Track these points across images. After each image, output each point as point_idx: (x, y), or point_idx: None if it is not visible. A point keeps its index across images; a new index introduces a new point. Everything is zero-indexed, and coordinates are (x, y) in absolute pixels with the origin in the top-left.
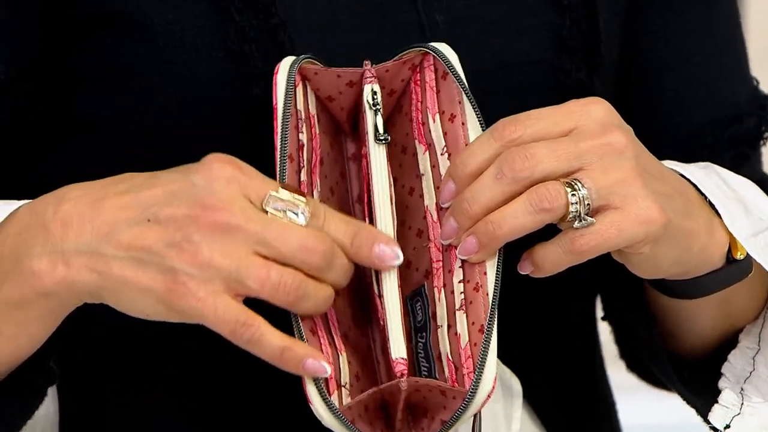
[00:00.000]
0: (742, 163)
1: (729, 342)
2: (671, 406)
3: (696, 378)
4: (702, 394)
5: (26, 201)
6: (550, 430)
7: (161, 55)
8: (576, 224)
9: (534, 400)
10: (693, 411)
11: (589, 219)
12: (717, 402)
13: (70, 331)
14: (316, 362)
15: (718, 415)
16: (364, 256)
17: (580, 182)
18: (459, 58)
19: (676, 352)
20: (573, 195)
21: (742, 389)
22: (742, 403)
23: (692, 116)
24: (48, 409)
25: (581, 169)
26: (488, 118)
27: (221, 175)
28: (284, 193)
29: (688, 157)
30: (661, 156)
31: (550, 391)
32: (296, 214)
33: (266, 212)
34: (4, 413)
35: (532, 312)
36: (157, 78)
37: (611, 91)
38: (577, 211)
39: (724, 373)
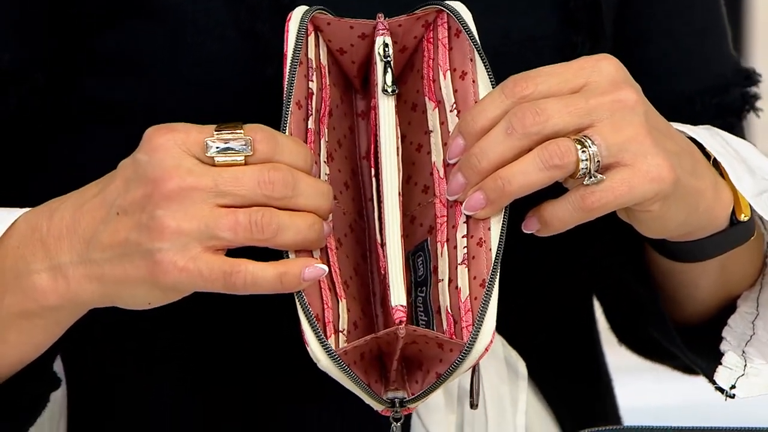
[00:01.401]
0: (728, 132)
1: (726, 309)
2: (669, 388)
3: (698, 342)
4: (703, 357)
5: (24, 210)
6: (555, 408)
7: (173, 37)
8: (586, 181)
9: (537, 379)
10: (690, 392)
11: (599, 176)
12: (721, 364)
13: (70, 334)
14: (312, 268)
15: (722, 376)
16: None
17: (590, 139)
18: None
19: (676, 321)
20: (583, 152)
21: (743, 352)
22: (745, 365)
23: (681, 84)
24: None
25: (591, 126)
26: None
27: (158, 143)
28: (220, 134)
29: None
30: None
31: (552, 369)
32: (237, 148)
33: (213, 161)
34: (8, 421)
35: (535, 272)
36: (170, 60)
37: None
38: (587, 168)
39: (725, 337)
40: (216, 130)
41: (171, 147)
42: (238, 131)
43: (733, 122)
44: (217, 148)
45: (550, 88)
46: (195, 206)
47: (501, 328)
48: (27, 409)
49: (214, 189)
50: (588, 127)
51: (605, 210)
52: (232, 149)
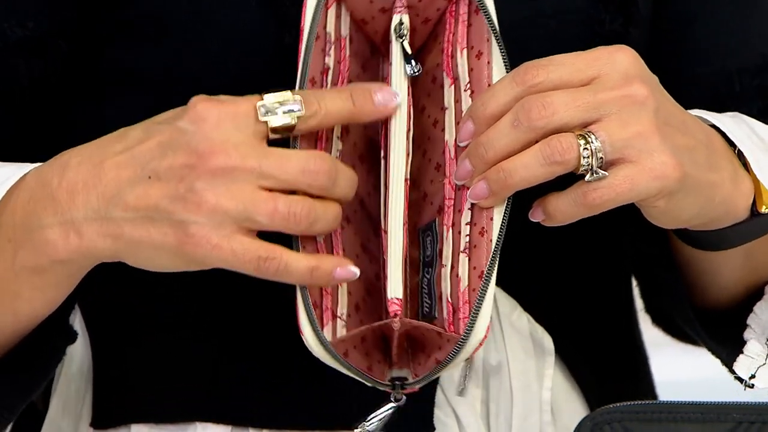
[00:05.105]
0: None
1: (755, 294)
2: (703, 363)
3: (721, 329)
4: (727, 345)
5: (34, 165)
6: (583, 386)
7: (195, 6)
8: (588, 177)
9: (566, 356)
10: (723, 367)
11: (602, 172)
12: (742, 352)
13: (87, 288)
14: (345, 269)
15: (743, 365)
16: (368, 111)
17: (594, 135)
18: (496, 8)
19: (701, 306)
20: (585, 148)
21: (767, 340)
22: None
23: (721, 65)
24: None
25: (599, 120)
26: None
27: (207, 114)
28: (269, 97)
29: (716, 106)
30: (689, 106)
31: (582, 347)
32: (291, 109)
33: (265, 123)
34: (25, 373)
35: (563, 258)
36: (192, 29)
37: (646, 41)
38: (589, 165)
39: (749, 324)
40: (264, 95)
41: (222, 120)
42: (286, 95)
43: None
44: (269, 111)
45: (561, 77)
46: (237, 185)
47: (528, 306)
48: (44, 363)
49: (257, 170)
50: (595, 121)
51: (607, 206)
52: (286, 109)
